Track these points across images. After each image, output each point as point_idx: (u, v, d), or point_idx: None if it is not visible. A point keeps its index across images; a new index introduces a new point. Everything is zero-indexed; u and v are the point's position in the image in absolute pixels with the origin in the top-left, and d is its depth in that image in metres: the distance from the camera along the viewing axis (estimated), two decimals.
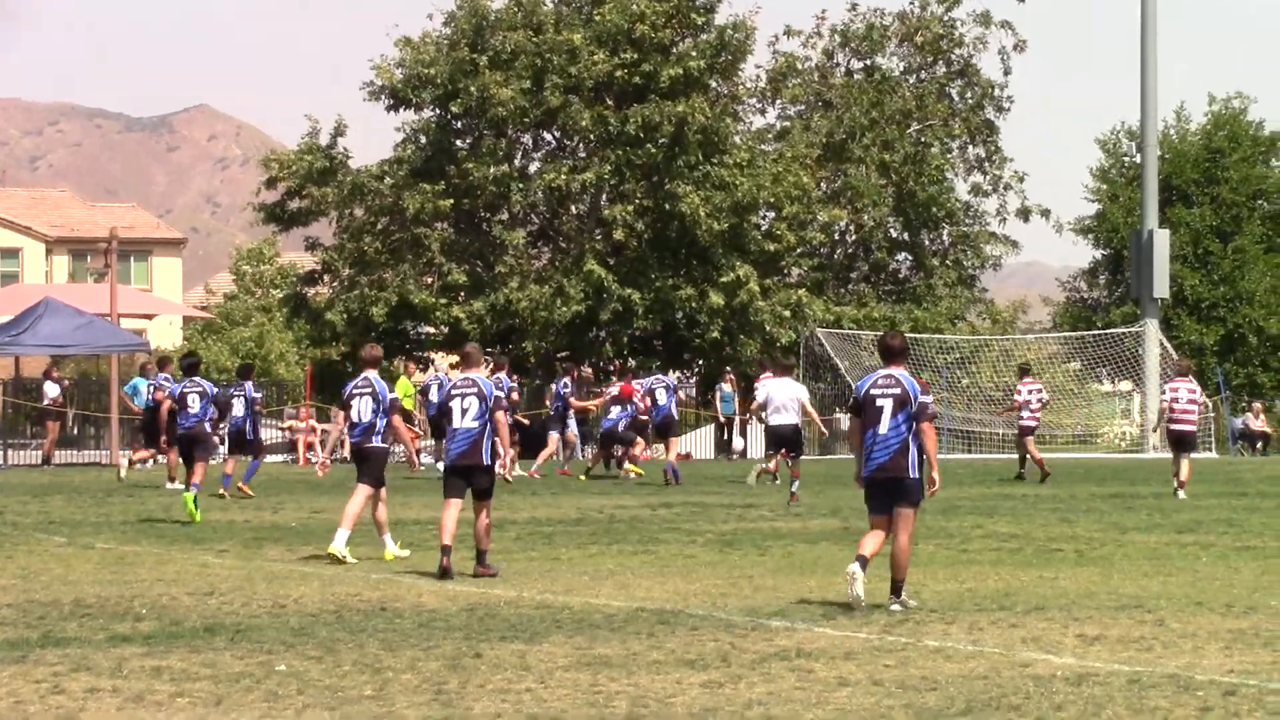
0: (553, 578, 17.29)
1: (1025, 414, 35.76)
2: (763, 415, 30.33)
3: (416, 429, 36.16)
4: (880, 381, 14.97)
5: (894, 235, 63.06)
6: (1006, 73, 64.49)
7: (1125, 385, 61.20)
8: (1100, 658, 12.17)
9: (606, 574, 17.62)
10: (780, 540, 21.25)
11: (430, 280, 53.31)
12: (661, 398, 35.55)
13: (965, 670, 11.65)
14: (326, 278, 55.86)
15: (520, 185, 53.16)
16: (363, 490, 19.08)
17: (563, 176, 52.35)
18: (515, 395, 36.44)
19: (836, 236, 62.42)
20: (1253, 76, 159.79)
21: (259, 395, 31.22)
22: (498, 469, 18.03)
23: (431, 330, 54.81)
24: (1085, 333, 60.76)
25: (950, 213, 62.71)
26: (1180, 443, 30.26)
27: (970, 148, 64.39)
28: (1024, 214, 64.63)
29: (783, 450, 29.52)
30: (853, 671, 11.59)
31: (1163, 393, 31.87)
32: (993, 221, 64.34)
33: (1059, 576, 17.29)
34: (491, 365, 34.32)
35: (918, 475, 14.77)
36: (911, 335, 52.98)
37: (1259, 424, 56.46)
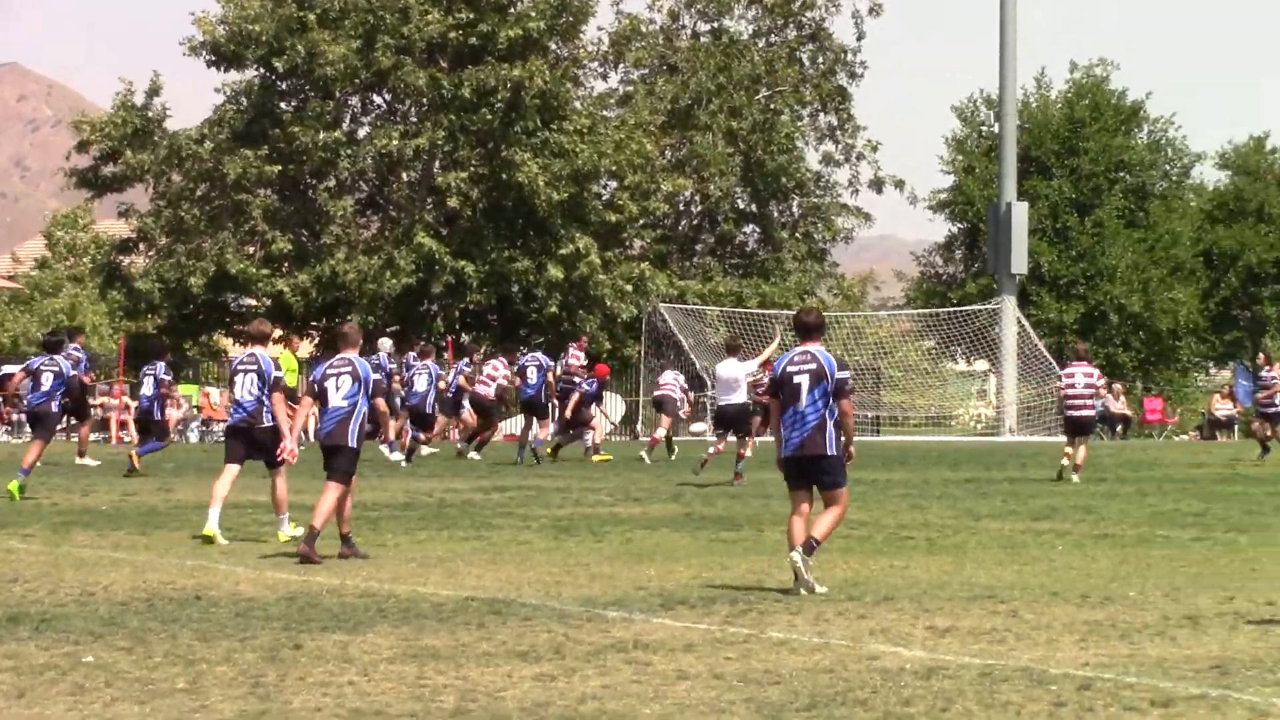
0: (378, 565, 16.90)
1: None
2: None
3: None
4: (796, 359, 14.93)
5: (741, 206, 63.02)
6: (860, 37, 64.72)
7: (981, 365, 61.28)
8: (951, 650, 11.95)
9: (435, 561, 17.25)
10: (618, 526, 21.05)
11: (252, 250, 52.35)
12: (532, 376, 35.12)
13: (810, 663, 11.37)
14: (143, 246, 54.62)
15: (349, 150, 52.32)
16: (280, 477, 18.71)
17: (394, 142, 51.50)
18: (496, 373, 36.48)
19: (681, 207, 62.27)
20: (1116, 43, 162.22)
21: (169, 377, 31.21)
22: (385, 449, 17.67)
23: (253, 303, 53.79)
24: (939, 309, 60.42)
25: (800, 183, 62.68)
26: (1077, 428, 30.33)
27: (821, 115, 64.45)
28: (877, 185, 64.75)
29: (732, 431, 29.13)
30: (692, 664, 11.31)
31: (1058, 379, 31.99)
32: (844, 193, 64.63)
33: (909, 565, 17.14)
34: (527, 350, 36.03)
35: (836, 453, 14.74)
36: (758, 311, 52.81)
37: (1119, 406, 55.22)
